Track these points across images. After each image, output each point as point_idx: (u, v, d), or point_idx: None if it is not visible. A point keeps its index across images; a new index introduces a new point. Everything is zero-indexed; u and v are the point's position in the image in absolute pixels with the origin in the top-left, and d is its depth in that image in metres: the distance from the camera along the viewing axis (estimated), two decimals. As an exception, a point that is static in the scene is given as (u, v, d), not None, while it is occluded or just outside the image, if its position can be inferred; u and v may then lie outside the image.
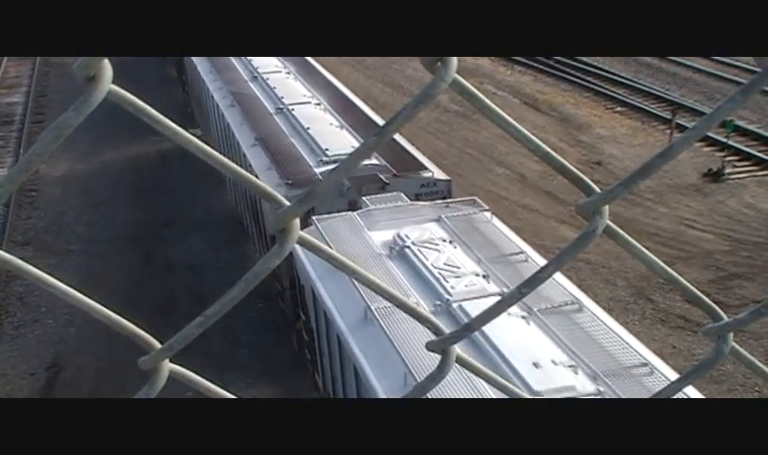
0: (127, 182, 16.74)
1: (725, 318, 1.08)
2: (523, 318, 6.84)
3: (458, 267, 7.73)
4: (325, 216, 8.69)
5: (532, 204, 15.13)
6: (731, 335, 1.09)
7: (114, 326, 0.85)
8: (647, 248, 0.99)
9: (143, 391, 0.87)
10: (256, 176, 11.58)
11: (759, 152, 16.99)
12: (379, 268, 7.64)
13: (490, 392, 5.60)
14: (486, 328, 6.44)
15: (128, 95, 0.73)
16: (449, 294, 7.28)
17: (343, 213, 8.89)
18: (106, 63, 0.70)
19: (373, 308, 6.96)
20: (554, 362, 6.21)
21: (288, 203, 0.83)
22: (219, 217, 14.65)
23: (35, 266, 0.79)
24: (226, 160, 0.80)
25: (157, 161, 17.06)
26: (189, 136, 0.77)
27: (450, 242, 8.29)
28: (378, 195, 9.50)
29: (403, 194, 9.55)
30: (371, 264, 7.67)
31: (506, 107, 18.85)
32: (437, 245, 8.17)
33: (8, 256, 0.77)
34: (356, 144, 11.14)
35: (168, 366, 0.88)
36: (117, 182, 16.74)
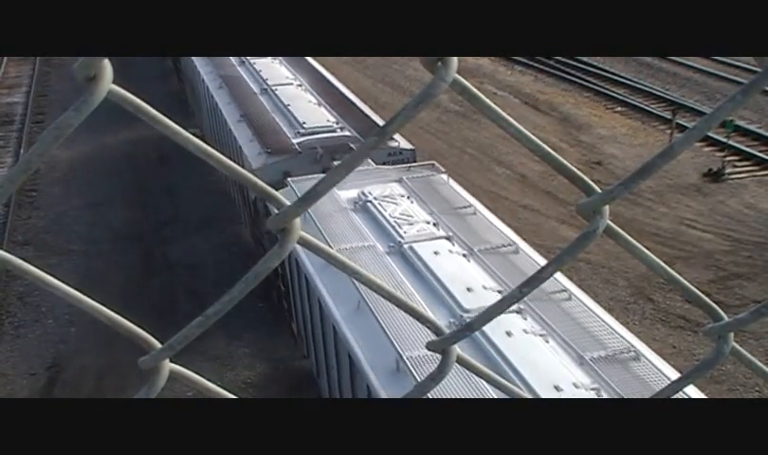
0: (127, 181, 16.73)
1: (726, 319, 1.08)
2: (464, 255, 7.96)
3: (411, 216, 8.86)
4: (299, 178, 9.98)
5: (532, 204, 15.12)
6: (731, 335, 1.09)
7: (114, 326, 0.85)
8: (647, 248, 0.99)
9: (143, 391, 0.87)
10: (240, 148, 12.34)
11: (760, 152, 16.98)
12: (344, 219, 8.78)
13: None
14: (431, 264, 7.74)
15: (128, 95, 0.73)
16: (402, 237, 8.34)
17: (315, 175, 9.95)
18: (106, 62, 0.70)
19: (336, 250, 7.67)
20: (484, 287, 7.34)
21: (289, 203, 0.83)
22: (219, 216, 14.65)
23: (35, 266, 0.79)
24: (225, 159, 0.80)
25: (156, 158, 17.05)
26: (188, 135, 0.77)
27: (408, 197, 9.41)
28: None
29: (370, 160, 10.47)
30: (337, 216, 8.84)
31: (507, 107, 18.84)
32: (396, 199, 9.31)
33: (8, 256, 0.77)
34: (332, 119, 12.38)
35: (168, 366, 0.88)
36: (116, 181, 16.73)
